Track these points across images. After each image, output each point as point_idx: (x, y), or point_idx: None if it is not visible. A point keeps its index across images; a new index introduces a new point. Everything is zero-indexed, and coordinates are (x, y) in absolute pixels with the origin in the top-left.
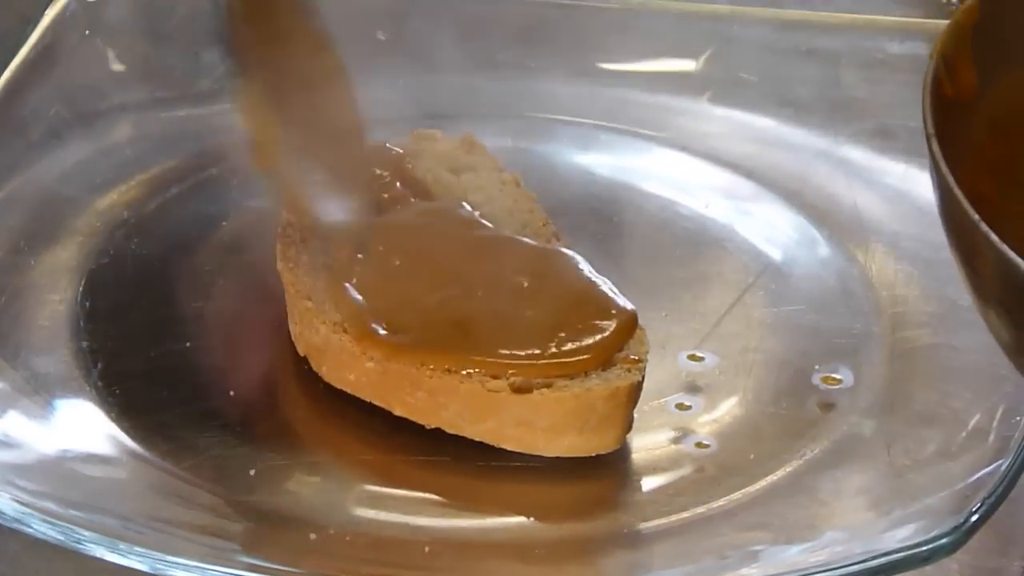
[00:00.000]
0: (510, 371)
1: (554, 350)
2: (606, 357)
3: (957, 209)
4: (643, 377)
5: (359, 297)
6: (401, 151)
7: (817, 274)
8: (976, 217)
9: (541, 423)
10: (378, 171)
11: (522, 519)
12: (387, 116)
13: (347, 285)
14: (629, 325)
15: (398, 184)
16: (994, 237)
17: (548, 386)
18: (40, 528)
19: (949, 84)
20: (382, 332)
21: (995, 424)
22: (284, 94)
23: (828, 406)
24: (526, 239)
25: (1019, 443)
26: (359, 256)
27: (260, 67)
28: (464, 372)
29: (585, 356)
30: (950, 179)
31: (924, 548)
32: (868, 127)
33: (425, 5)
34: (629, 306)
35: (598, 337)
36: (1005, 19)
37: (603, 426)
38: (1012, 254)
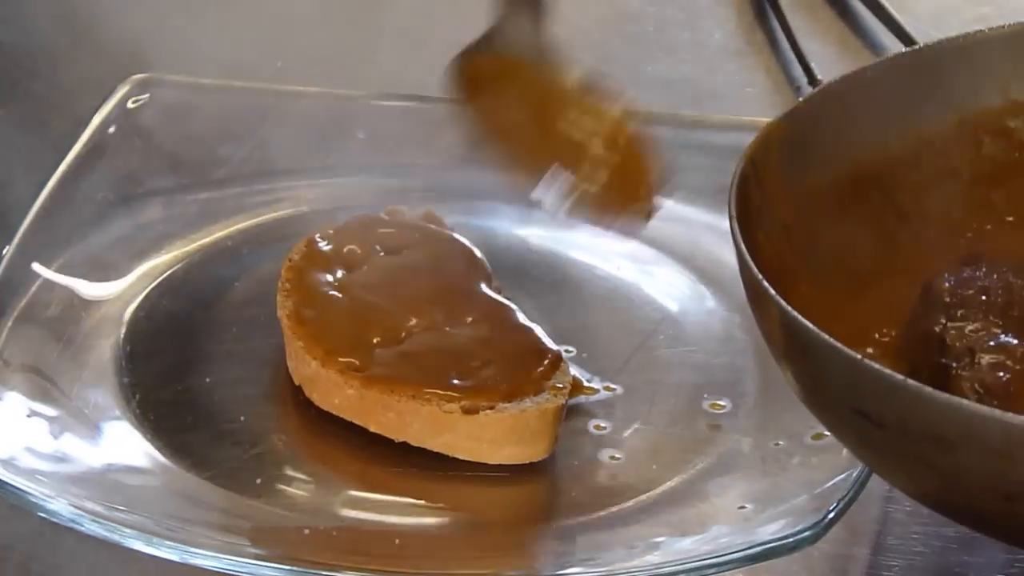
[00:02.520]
0: (462, 395)
1: (496, 382)
2: (537, 387)
3: (750, 276)
4: (566, 401)
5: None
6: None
7: (705, 322)
8: (761, 278)
9: (486, 437)
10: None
11: (472, 515)
12: (366, 197)
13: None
14: (554, 362)
15: (376, 247)
16: (777, 296)
17: (491, 408)
18: (90, 526)
19: (755, 182)
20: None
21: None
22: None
23: (715, 427)
24: (480, 289)
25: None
26: (344, 302)
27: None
28: (424, 398)
29: (519, 387)
30: (744, 250)
31: (790, 540)
32: None
33: (395, 111)
34: (555, 347)
35: (530, 372)
36: (807, 134)
37: (535, 439)
38: (793, 311)
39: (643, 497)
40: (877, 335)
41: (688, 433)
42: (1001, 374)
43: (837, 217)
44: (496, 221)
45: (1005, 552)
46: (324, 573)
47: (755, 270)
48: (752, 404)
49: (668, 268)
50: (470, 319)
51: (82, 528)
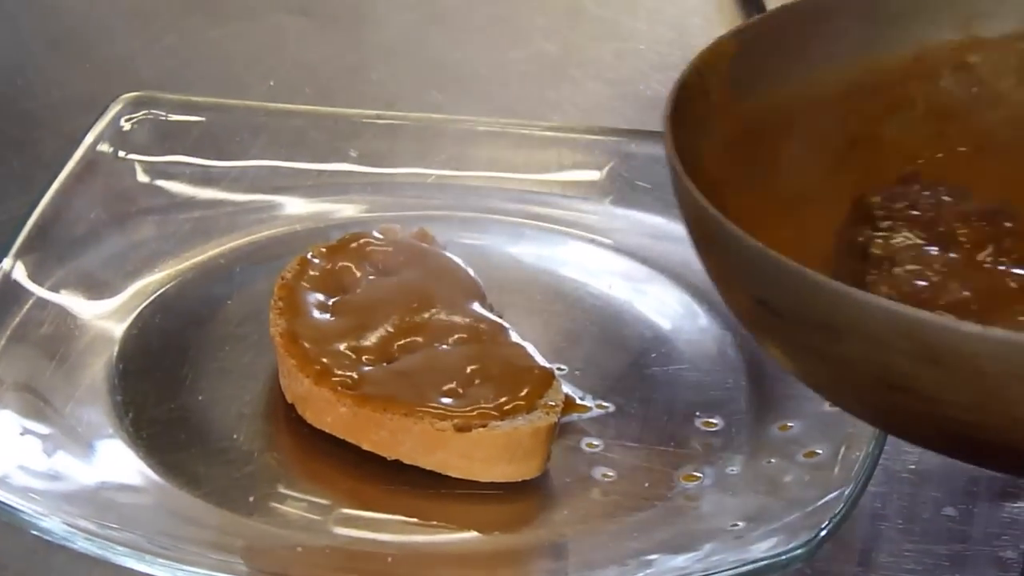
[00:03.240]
0: (455, 414)
1: (488, 401)
2: (529, 404)
3: (673, 167)
4: (559, 419)
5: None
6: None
7: (698, 340)
8: (681, 168)
9: (478, 455)
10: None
11: (464, 533)
12: (358, 215)
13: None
14: (547, 380)
15: (368, 266)
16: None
17: (484, 426)
18: (83, 544)
19: (700, 92)
20: (350, 385)
21: (839, 458)
22: None
23: (707, 445)
24: (472, 308)
25: (858, 474)
26: (336, 320)
27: None
28: (417, 416)
29: (511, 405)
30: (671, 143)
31: (783, 557)
32: None
33: (387, 129)
34: (547, 365)
35: (522, 390)
36: (760, 52)
37: (527, 458)
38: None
39: (636, 515)
40: (810, 248)
41: (681, 451)
42: (917, 282)
43: (784, 137)
44: (489, 239)
45: (996, 569)
46: None
47: (676, 159)
48: (744, 422)
49: (660, 286)
50: (463, 337)
51: (75, 546)
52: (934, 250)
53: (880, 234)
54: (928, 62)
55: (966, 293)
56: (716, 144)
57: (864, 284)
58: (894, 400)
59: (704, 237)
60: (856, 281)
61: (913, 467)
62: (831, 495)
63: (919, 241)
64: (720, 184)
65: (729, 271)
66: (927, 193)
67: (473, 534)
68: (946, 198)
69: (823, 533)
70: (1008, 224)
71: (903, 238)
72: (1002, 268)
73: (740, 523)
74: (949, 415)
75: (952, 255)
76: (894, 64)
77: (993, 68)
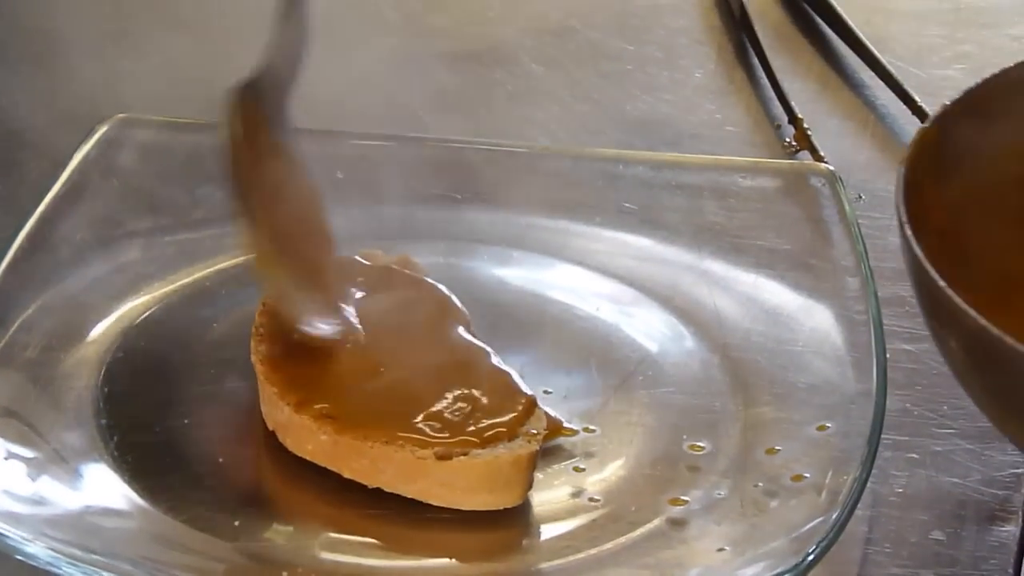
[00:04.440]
0: (434, 444)
1: (470, 428)
2: (511, 432)
3: (934, 288)
4: (540, 447)
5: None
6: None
7: (685, 362)
8: (950, 291)
9: (459, 484)
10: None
11: (446, 560)
12: (343, 237)
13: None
14: (528, 407)
15: (352, 290)
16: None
17: (465, 454)
18: (67, 569)
19: (914, 190)
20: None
21: (827, 482)
22: (275, 215)
23: (694, 468)
24: (455, 333)
25: (846, 498)
26: (317, 346)
27: (254, 194)
28: (398, 444)
29: (493, 433)
30: (922, 258)
31: None
32: (725, 245)
33: (373, 150)
34: (529, 392)
35: (504, 418)
36: (952, 140)
37: (508, 486)
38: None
39: (622, 539)
40: None
41: (667, 475)
42: None
43: (986, 221)
44: (474, 262)
45: None
46: None
47: (938, 280)
48: (731, 446)
49: (647, 309)
50: (445, 364)
51: (60, 571)
52: None
53: None
54: None
55: None
56: (931, 240)
57: None
58: None
59: (981, 358)
60: None
61: (901, 491)
62: (818, 519)
63: None
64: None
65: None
66: None
67: (454, 561)
68: None
69: (810, 558)
70: None
71: None
72: None
73: (727, 548)
74: None
75: None
76: None
77: None
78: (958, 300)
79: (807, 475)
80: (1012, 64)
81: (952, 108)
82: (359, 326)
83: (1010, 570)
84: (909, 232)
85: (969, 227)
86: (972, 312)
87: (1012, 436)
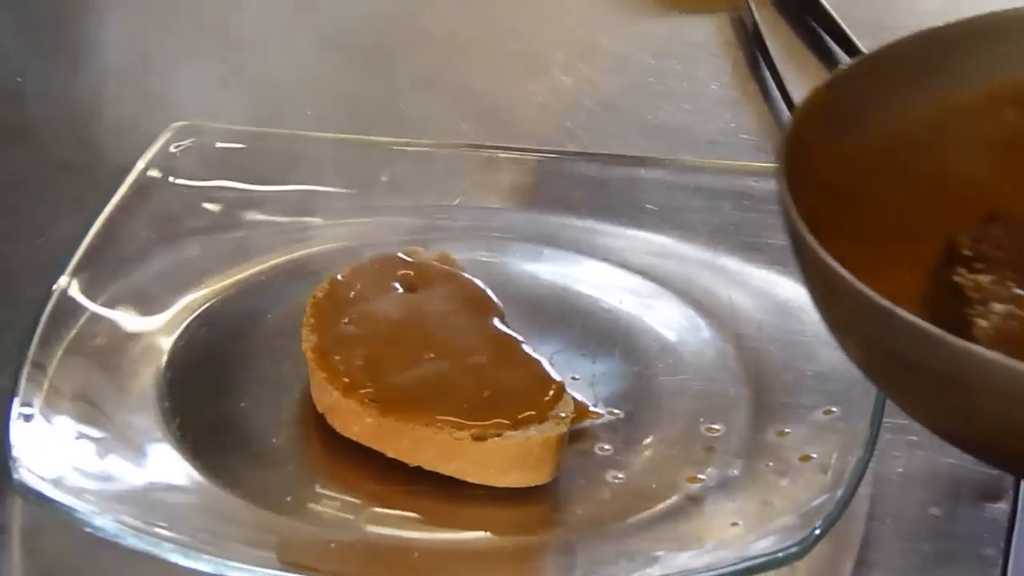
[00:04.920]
0: (470, 426)
1: (503, 412)
2: (541, 416)
3: (793, 227)
4: (567, 429)
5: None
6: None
7: (701, 351)
8: (805, 230)
9: (493, 463)
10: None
11: (481, 533)
12: (387, 236)
13: (353, 361)
14: (558, 392)
15: (395, 284)
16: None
17: (498, 436)
18: (132, 541)
19: (799, 144)
20: (375, 398)
21: (832, 462)
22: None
23: (710, 449)
24: (489, 324)
25: (850, 477)
26: (363, 336)
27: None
28: (437, 426)
29: (524, 416)
30: (790, 202)
31: (779, 555)
32: (739, 243)
33: (415, 156)
34: (558, 378)
35: (534, 402)
36: (846, 101)
37: (538, 465)
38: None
39: (643, 514)
40: (904, 284)
41: (685, 455)
42: (1013, 323)
43: (872, 178)
44: (507, 258)
45: (978, 565)
46: None
47: (799, 221)
48: (744, 428)
49: (666, 301)
50: (480, 353)
51: (125, 542)
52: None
53: (973, 276)
54: (994, 97)
55: None
56: (817, 189)
57: (966, 325)
58: (1018, 445)
59: (825, 291)
60: (957, 321)
61: (901, 471)
62: (824, 497)
63: (1009, 283)
64: (820, 227)
65: (851, 324)
66: (1009, 233)
67: (488, 534)
68: None
69: (817, 532)
70: None
71: (993, 278)
72: None
73: (740, 522)
74: None
75: None
76: (965, 101)
77: None
78: (807, 234)
79: (814, 456)
80: (907, 35)
81: (845, 72)
82: (403, 316)
83: (1001, 543)
84: (783, 178)
85: (855, 180)
86: (814, 244)
87: (858, 364)
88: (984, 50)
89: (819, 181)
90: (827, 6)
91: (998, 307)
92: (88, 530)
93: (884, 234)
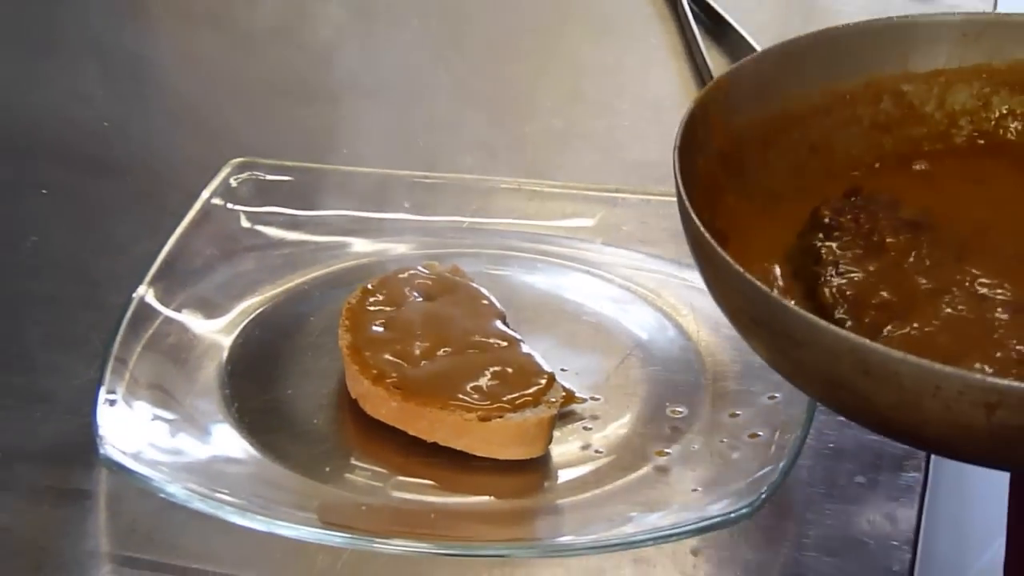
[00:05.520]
0: (479, 409)
1: (504, 398)
2: (535, 401)
3: (680, 200)
4: (557, 412)
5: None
6: (418, 270)
7: (667, 348)
8: (689, 204)
9: (496, 440)
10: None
11: (485, 497)
12: (409, 253)
13: (380, 356)
14: (549, 382)
15: (414, 293)
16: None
17: (500, 417)
18: (198, 504)
19: (701, 120)
20: (399, 386)
21: (776, 438)
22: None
23: (674, 428)
24: (493, 325)
25: (791, 450)
26: (388, 335)
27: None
28: (450, 409)
29: (521, 401)
30: (678, 174)
31: (732, 515)
32: None
33: (432, 186)
34: (549, 369)
35: (530, 390)
36: (746, 85)
37: (533, 441)
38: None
39: (619, 482)
40: (775, 240)
41: (654, 433)
42: (852, 284)
43: (762, 149)
44: (508, 271)
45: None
46: (377, 541)
47: (684, 194)
48: (703, 411)
49: (639, 307)
50: (485, 349)
51: (192, 506)
52: (869, 257)
53: (828, 243)
54: (873, 89)
55: (890, 296)
56: (712, 159)
57: (819, 282)
58: (838, 394)
59: (703, 260)
60: (811, 279)
61: (832, 446)
62: (769, 467)
63: (858, 249)
64: (714, 190)
65: (721, 286)
66: (866, 206)
67: (491, 498)
68: (879, 211)
69: (763, 496)
70: (925, 236)
71: (846, 245)
72: (919, 274)
73: (699, 488)
74: (876, 409)
75: (882, 261)
76: (847, 91)
77: (919, 95)
78: (689, 207)
79: (761, 433)
80: (803, 34)
81: (747, 62)
82: (421, 318)
83: (915, 507)
84: (677, 149)
85: (745, 151)
86: (694, 215)
87: (728, 318)
88: (867, 49)
89: (715, 151)
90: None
91: (843, 269)
92: (161, 495)
93: (766, 197)
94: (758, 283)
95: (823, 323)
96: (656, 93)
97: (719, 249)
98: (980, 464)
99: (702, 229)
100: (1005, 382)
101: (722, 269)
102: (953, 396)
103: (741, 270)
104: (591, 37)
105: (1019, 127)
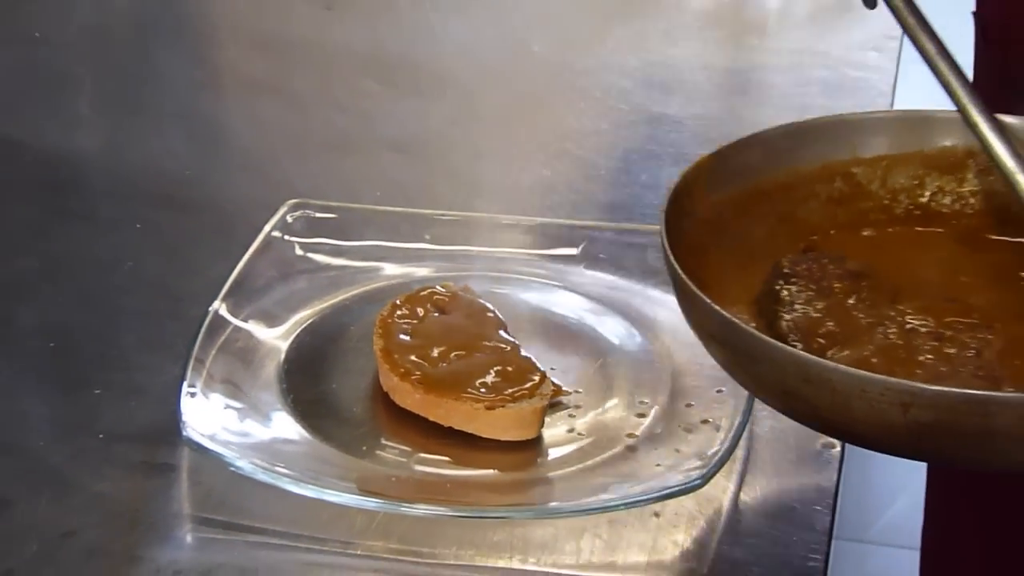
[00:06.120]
0: (485, 400)
1: (506, 391)
2: (531, 394)
3: (667, 257)
4: (548, 402)
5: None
6: (436, 289)
7: (635, 352)
8: (673, 260)
9: (499, 424)
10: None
11: (490, 471)
12: (428, 275)
13: (406, 357)
14: (541, 379)
15: (433, 307)
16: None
17: (503, 406)
18: (261, 476)
19: (685, 193)
20: (421, 382)
21: (723, 424)
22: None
23: (641, 415)
24: (497, 334)
25: (736, 434)
26: (413, 341)
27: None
28: (462, 400)
29: (520, 394)
30: (665, 236)
31: (689, 485)
32: (661, 280)
33: (448, 222)
34: (541, 368)
35: (526, 385)
36: (723, 165)
37: (529, 426)
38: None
39: (597, 458)
40: (747, 288)
41: (625, 419)
42: (804, 319)
43: (740, 217)
44: (509, 290)
45: (816, 491)
46: (403, 505)
47: (671, 254)
48: (665, 402)
49: (613, 319)
50: (490, 352)
51: (256, 477)
52: (819, 298)
53: (787, 286)
54: (829, 170)
55: (835, 328)
56: (698, 223)
57: (777, 318)
58: (787, 400)
59: (685, 301)
60: (772, 316)
61: (768, 430)
62: (718, 446)
63: (810, 292)
64: (699, 247)
65: (694, 316)
66: (818, 259)
67: (496, 471)
68: (828, 263)
69: (713, 470)
70: (865, 282)
71: (800, 289)
72: (858, 311)
73: (661, 464)
74: (817, 412)
75: (829, 302)
76: (807, 171)
77: (866, 176)
78: (670, 254)
79: (710, 420)
80: (773, 126)
81: (725, 147)
82: (439, 328)
83: (834, 479)
84: (664, 214)
85: (725, 219)
86: (673, 259)
87: (703, 343)
88: (823, 139)
89: (699, 219)
90: None
91: (798, 307)
92: (232, 469)
93: (742, 254)
94: (727, 314)
95: (774, 342)
96: (624, 149)
97: (698, 292)
98: (902, 456)
99: (683, 276)
100: (917, 385)
101: (701, 307)
102: (875, 397)
103: (716, 307)
104: (574, 106)
105: (947, 201)
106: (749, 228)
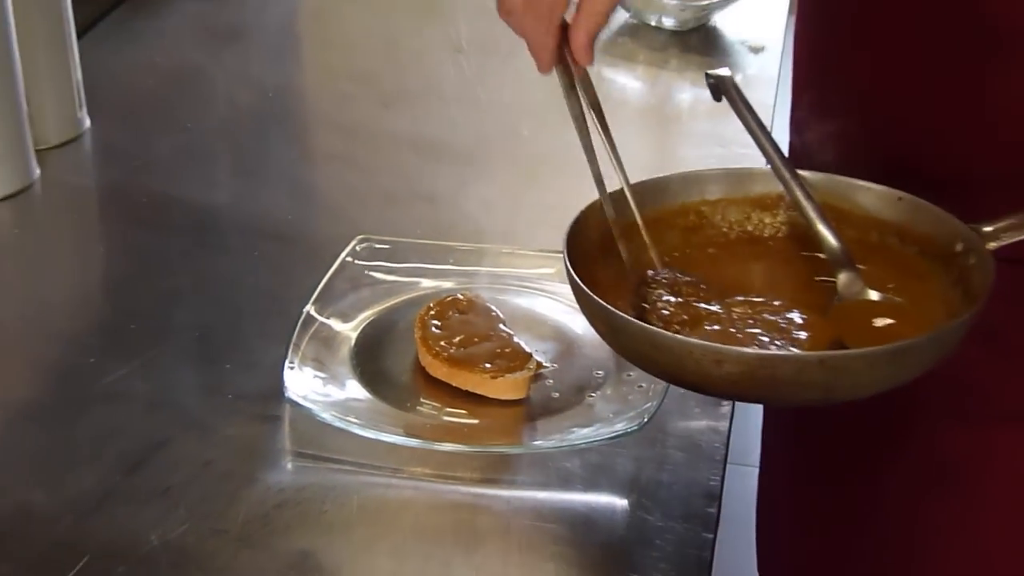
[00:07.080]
0: (490, 372)
1: (504, 366)
2: (521, 367)
3: (567, 268)
4: (533, 373)
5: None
6: (457, 296)
7: (593, 339)
8: (571, 269)
9: (500, 388)
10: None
11: (494, 419)
12: (451, 286)
13: (437, 343)
14: (529, 358)
15: (454, 310)
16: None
17: (502, 376)
18: (339, 424)
19: (584, 225)
20: (446, 360)
21: (652, 387)
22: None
23: (597, 381)
24: (499, 327)
25: (661, 394)
26: (442, 332)
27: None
28: (475, 372)
29: (514, 367)
30: (567, 257)
31: (630, 430)
32: None
33: (465, 251)
34: (528, 350)
35: (519, 361)
36: (612, 205)
37: (520, 389)
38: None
39: (566, 412)
40: (627, 292)
41: (587, 384)
42: (665, 312)
43: (620, 239)
44: (506, 296)
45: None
46: (435, 444)
47: (570, 267)
48: (613, 372)
49: (579, 317)
50: (493, 340)
51: (336, 424)
52: (671, 298)
53: (651, 290)
54: (685, 208)
55: (685, 318)
56: (594, 245)
57: (645, 313)
58: (644, 362)
59: (582, 301)
60: (640, 312)
61: (682, 393)
62: (649, 403)
63: (668, 296)
64: (592, 264)
65: (590, 314)
66: (671, 272)
67: (498, 419)
68: (679, 275)
69: (646, 420)
70: (704, 287)
71: (659, 293)
72: (698, 305)
73: (611, 415)
74: (665, 369)
75: (679, 300)
76: (670, 210)
77: (711, 211)
78: (570, 268)
79: (643, 384)
80: (646, 179)
81: (614, 191)
82: (458, 324)
83: (727, 423)
84: (567, 238)
85: (611, 240)
86: (570, 267)
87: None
88: (681, 187)
89: (593, 241)
90: None
91: (659, 305)
92: (319, 419)
93: (621, 268)
94: (608, 305)
95: (636, 320)
96: (589, 199)
97: (591, 293)
98: (724, 398)
99: (579, 281)
100: (726, 347)
101: (592, 304)
102: (699, 357)
103: (603, 303)
104: (552, 170)
105: (768, 230)
106: (627, 248)
